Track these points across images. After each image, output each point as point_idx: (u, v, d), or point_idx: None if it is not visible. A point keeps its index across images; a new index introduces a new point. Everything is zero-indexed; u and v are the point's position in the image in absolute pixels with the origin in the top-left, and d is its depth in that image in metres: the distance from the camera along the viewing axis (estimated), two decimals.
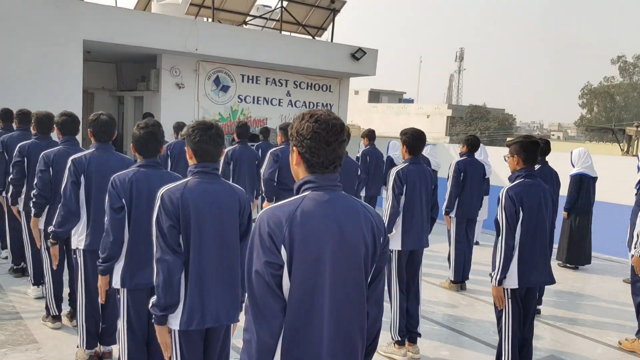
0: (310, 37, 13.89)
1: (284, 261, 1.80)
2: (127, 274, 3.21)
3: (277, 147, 5.88)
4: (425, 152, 8.14)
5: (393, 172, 4.50)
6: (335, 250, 1.84)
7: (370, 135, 8.20)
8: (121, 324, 3.26)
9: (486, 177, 7.03)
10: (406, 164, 4.55)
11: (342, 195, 1.94)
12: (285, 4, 13.24)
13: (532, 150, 3.76)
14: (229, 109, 12.65)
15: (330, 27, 14.07)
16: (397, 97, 65.96)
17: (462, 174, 6.47)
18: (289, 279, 1.82)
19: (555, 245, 7.39)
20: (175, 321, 2.67)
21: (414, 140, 4.54)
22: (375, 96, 63.17)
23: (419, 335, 4.68)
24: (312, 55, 12.90)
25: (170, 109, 11.50)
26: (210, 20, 12.49)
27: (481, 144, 7.22)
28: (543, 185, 3.79)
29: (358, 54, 13.29)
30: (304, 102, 13.84)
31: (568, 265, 7.85)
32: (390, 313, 4.64)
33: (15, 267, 5.96)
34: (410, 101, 62.27)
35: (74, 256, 4.02)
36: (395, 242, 4.53)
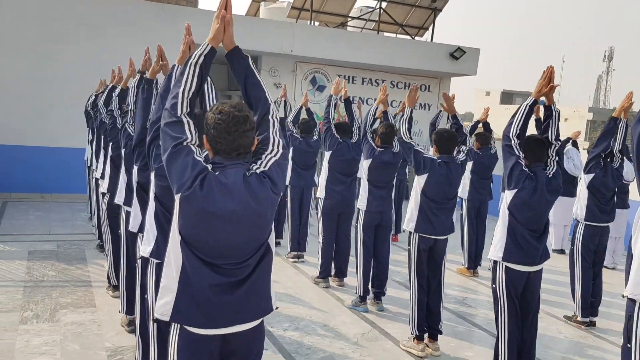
0: (407, 37, 13.87)
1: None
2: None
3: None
4: None
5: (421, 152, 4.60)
6: (232, 215, 2.14)
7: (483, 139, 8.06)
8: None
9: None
10: (439, 160, 4.57)
11: (243, 172, 2.18)
12: (384, 5, 13.37)
13: (537, 149, 3.71)
14: (324, 108, 13.03)
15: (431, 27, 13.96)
16: None
17: None
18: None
19: None
20: None
21: (443, 140, 4.58)
22: (508, 97, 60.51)
23: (440, 332, 4.68)
24: (410, 55, 12.89)
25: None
26: (311, 23, 12.98)
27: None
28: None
29: (457, 53, 13.03)
30: (401, 102, 13.78)
31: None
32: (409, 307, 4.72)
33: (100, 242, 6.81)
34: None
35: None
36: (409, 224, 4.59)
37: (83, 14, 10.16)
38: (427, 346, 4.63)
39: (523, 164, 3.61)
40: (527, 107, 3.66)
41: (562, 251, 8.74)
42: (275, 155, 2.25)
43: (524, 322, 3.77)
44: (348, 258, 6.31)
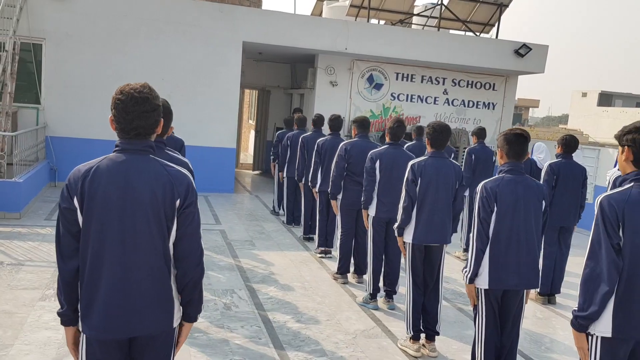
0: (469, 34, 13.45)
1: (76, 207, 2.18)
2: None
3: (350, 140, 6.09)
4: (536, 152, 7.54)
5: (409, 164, 4.45)
6: (121, 203, 2.16)
7: (479, 133, 7.82)
8: None
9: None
10: (426, 157, 4.46)
11: (143, 158, 2.23)
12: (446, 1, 13.06)
13: (515, 143, 3.47)
14: (380, 106, 12.95)
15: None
16: (635, 101, 58.88)
17: (554, 177, 5.92)
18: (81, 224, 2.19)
19: None
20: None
21: (436, 134, 4.44)
22: (606, 99, 57.10)
23: (437, 333, 4.55)
24: (472, 52, 12.49)
25: (324, 106, 12.22)
26: (368, 20, 12.91)
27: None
28: (529, 181, 3.47)
29: (522, 50, 12.47)
30: (462, 100, 13.45)
31: None
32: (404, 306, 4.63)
33: None
34: None
35: None
36: (407, 235, 4.50)
37: (145, 12, 10.69)
38: (424, 346, 4.51)
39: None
40: None
41: None
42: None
43: (504, 327, 3.58)
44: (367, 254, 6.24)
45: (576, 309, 2.59)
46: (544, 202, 3.50)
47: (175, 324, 2.34)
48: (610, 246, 2.47)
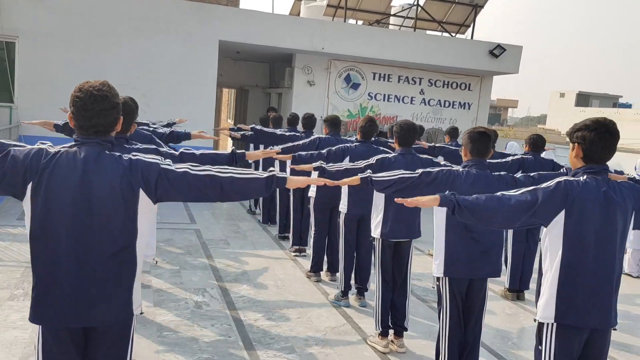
0: (445, 34, 13.61)
1: (27, 188, 2.19)
2: None
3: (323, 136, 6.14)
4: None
5: (375, 157, 4.49)
6: (77, 196, 2.18)
7: (452, 132, 7.93)
8: None
9: None
10: (395, 154, 4.51)
11: (100, 152, 2.25)
12: (422, 2, 13.19)
13: (479, 142, 3.54)
14: (358, 105, 13.02)
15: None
16: (611, 101, 59.90)
17: (519, 168, 6.05)
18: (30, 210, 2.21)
19: None
20: None
21: (403, 132, 4.51)
22: (584, 99, 58.00)
23: (405, 329, 4.61)
24: (447, 53, 12.63)
25: (301, 105, 12.25)
26: (345, 20, 12.97)
27: None
28: (490, 177, 3.55)
29: (497, 50, 12.64)
30: (439, 100, 13.59)
31: None
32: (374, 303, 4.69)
33: None
34: (628, 106, 56.01)
35: None
36: (376, 230, 4.55)
37: (124, 11, 10.60)
38: (392, 342, 4.57)
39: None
40: None
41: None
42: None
43: (467, 323, 3.65)
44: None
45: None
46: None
47: (136, 312, 2.36)
48: (533, 204, 2.61)
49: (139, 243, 2.30)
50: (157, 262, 6.14)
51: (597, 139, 2.61)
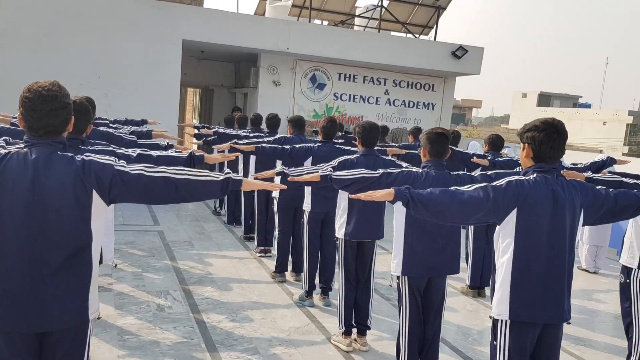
0: (409, 36, 13.78)
1: None
2: None
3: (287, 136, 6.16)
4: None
5: (338, 159, 4.51)
6: (29, 198, 2.14)
7: (415, 133, 8.04)
8: None
9: None
10: (358, 155, 4.54)
11: (52, 153, 2.21)
12: (386, 3, 13.31)
13: (437, 142, 3.61)
14: (324, 106, 13.07)
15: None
16: (572, 102, 61.35)
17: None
18: None
19: None
20: None
21: (366, 132, 4.54)
22: (545, 100, 59.34)
23: (368, 328, 4.65)
24: (411, 54, 12.80)
25: (267, 105, 12.22)
26: (310, 20, 13.00)
27: None
28: (448, 178, 3.61)
29: (459, 52, 12.86)
30: (403, 100, 13.74)
31: None
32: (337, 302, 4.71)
33: None
34: (587, 106, 57.57)
35: None
36: (339, 230, 4.58)
37: (81, 9, 10.39)
38: (355, 341, 4.61)
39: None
40: None
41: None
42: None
43: (427, 319, 3.72)
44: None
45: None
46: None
47: (92, 316, 2.32)
48: (485, 201, 2.67)
49: (94, 245, 2.27)
50: (116, 265, 6.05)
51: (546, 139, 2.69)
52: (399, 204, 2.89)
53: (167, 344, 4.36)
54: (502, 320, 2.76)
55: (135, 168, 2.29)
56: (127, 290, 5.48)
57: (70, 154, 2.23)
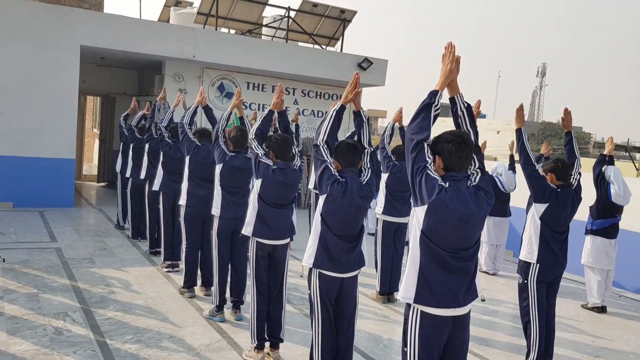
0: (316, 47, 13.96)
1: None
2: None
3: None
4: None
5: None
6: None
7: None
8: None
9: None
10: (274, 167, 4.48)
11: None
12: (293, 14, 13.40)
13: (347, 153, 3.68)
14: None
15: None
16: None
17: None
18: None
19: None
20: None
21: (278, 144, 4.53)
22: (445, 110, 62.11)
23: (281, 340, 4.60)
24: (318, 64, 12.94)
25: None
26: (216, 29, 12.80)
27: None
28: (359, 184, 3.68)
29: (364, 63, 13.18)
30: (312, 110, 13.86)
31: None
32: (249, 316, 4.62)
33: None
34: (482, 117, 60.91)
35: None
36: (246, 228, 4.51)
37: None
38: (268, 355, 4.53)
39: (332, 168, 3.59)
40: (335, 113, 3.69)
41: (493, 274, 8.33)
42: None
43: (339, 328, 3.73)
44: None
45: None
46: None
47: None
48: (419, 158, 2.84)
49: None
50: (4, 259, 6.09)
51: (455, 149, 2.78)
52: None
53: None
54: (411, 323, 2.84)
55: None
56: (21, 313, 5.06)
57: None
